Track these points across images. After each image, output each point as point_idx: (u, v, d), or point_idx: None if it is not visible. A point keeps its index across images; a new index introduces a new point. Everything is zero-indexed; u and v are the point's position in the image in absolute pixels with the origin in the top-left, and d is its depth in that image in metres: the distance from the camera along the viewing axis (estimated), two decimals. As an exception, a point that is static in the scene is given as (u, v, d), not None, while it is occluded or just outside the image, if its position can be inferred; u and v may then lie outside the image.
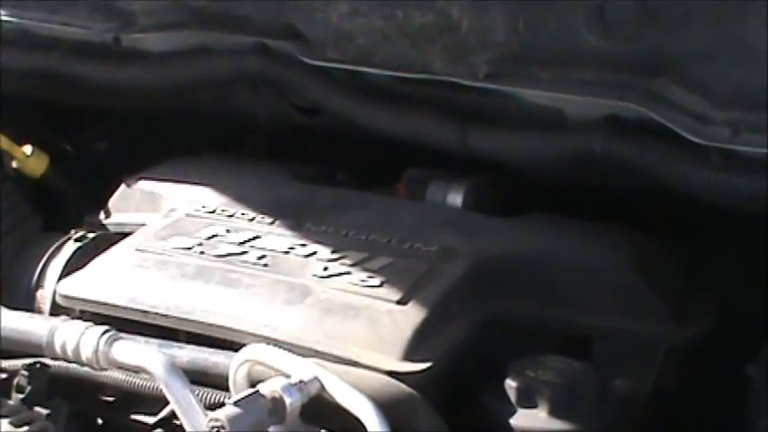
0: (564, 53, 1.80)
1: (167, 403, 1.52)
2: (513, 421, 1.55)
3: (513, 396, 1.57)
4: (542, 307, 1.73)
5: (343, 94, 2.01)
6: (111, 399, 1.64)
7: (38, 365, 1.61)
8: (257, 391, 1.38)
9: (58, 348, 1.54)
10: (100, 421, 1.67)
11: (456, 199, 1.96)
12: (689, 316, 1.74)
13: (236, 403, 1.34)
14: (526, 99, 1.85)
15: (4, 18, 2.20)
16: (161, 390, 1.48)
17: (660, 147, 1.74)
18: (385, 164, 2.05)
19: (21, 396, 1.60)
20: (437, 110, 1.94)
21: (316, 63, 1.99)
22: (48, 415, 1.60)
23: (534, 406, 1.57)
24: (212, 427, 1.31)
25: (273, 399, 1.37)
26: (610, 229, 1.84)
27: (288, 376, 1.42)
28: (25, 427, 1.55)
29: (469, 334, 1.67)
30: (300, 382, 1.40)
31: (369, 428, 1.39)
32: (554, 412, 1.55)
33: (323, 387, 1.42)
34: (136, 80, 2.16)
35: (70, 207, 2.20)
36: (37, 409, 1.60)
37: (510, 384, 1.57)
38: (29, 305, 1.90)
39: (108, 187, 2.13)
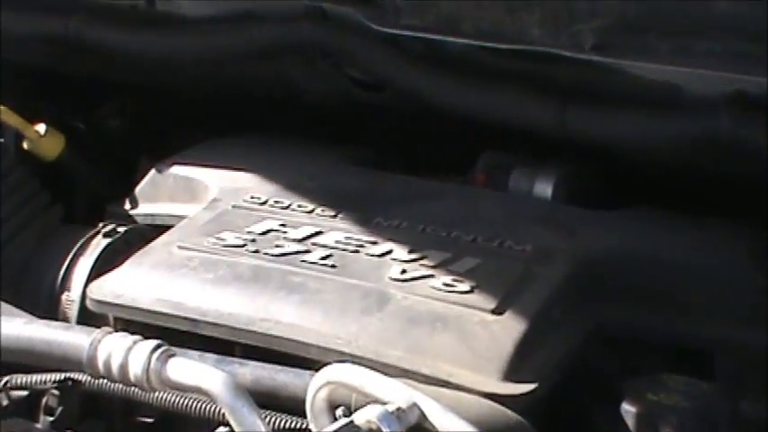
0: (688, 19, 1.78)
1: (218, 426, 1.50)
2: None
3: (631, 422, 1.54)
4: (656, 316, 1.71)
5: (417, 67, 2.00)
6: (150, 420, 1.64)
7: (70, 382, 1.59)
8: (352, 422, 1.33)
9: (101, 365, 1.49)
10: None
11: (545, 189, 1.96)
12: None
13: None
14: (639, 74, 1.84)
15: None
16: (215, 411, 1.49)
17: None
18: (459, 149, 2.04)
19: (50, 419, 1.60)
20: (532, 86, 1.94)
21: (387, 30, 1.98)
22: None
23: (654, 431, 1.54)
24: None
25: (370, 430, 1.33)
26: (733, 225, 1.83)
27: (383, 402, 1.37)
28: None
29: (575, 348, 1.65)
30: (399, 410, 1.35)
31: None
32: None
33: (424, 415, 1.37)
34: (169, 50, 2.17)
35: (89, 194, 2.21)
36: None
37: (628, 409, 1.54)
38: (51, 311, 1.89)
39: (131, 172, 2.14)
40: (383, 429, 1.33)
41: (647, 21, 1.83)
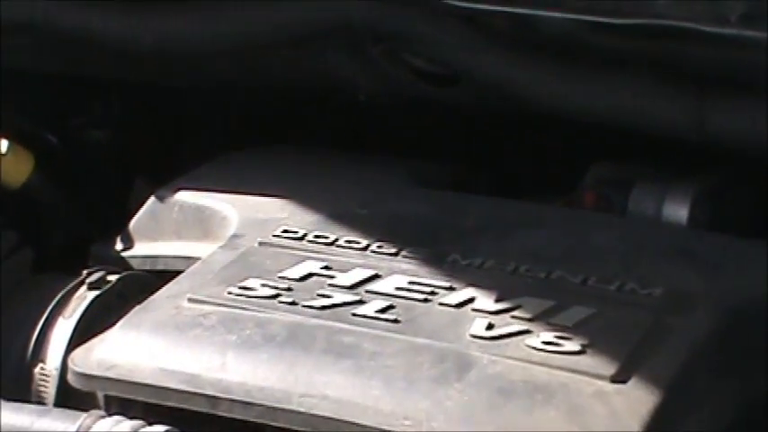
0: None
1: None
2: None
3: None
4: None
5: (502, 52, 2.00)
6: None
7: None
8: None
9: None
10: None
11: (679, 211, 1.98)
12: None
13: None
14: None
15: None
16: None
17: None
18: (559, 159, 2.06)
19: None
20: (658, 74, 1.94)
21: (461, 5, 1.96)
22: None
23: None
24: None
25: None
26: None
27: None
28: None
29: (727, 424, 1.64)
30: None
31: None
32: None
33: None
34: (170, 36, 2.17)
35: (67, 231, 2.23)
36: None
37: None
38: (21, 388, 1.90)
39: (123, 200, 2.16)
40: None
41: None
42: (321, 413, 1.58)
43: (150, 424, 1.55)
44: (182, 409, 1.65)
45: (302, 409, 1.59)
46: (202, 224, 2.04)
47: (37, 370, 1.93)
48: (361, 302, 1.74)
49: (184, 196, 2.09)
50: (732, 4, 1.81)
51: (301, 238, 1.90)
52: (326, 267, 1.82)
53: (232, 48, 2.13)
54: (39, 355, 1.94)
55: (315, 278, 1.80)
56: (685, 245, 1.90)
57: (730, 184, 2.02)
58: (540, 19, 1.93)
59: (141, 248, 2.10)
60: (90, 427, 1.53)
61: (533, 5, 1.92)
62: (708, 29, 1.83)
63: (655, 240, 1.91)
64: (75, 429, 1.53)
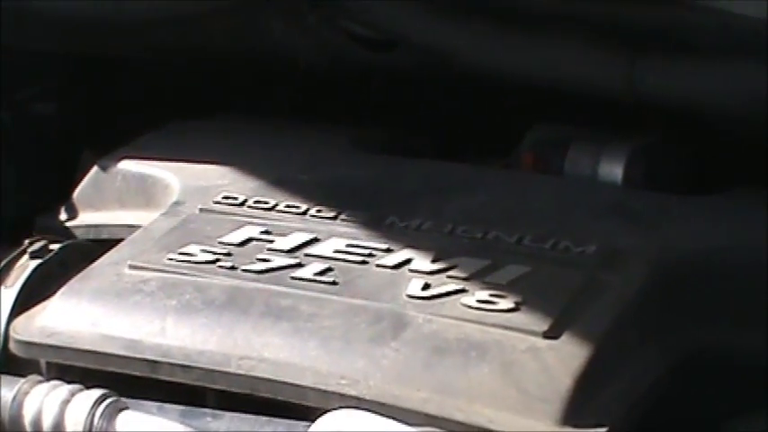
0: None
1: None
2: None
3: None
4: (760, 334, 1.71)
5: (437, 16, 2.00)
6: None
7: None
8: None
9: (28, 425, 1.54)
10: None
11: (613, 171, 1.98)
12: None
13: None
14: (732, 11, 1.81)
15: None
16: None
17: None
18: (495, 122, 2.06)
19: None
20: (591, 35, 1.96)
21: None
22: None
23: None
24: None
25: None
26: None
27: None
28: None
29: (658, 379, 1.65)
30: None
31: None
32: None
33: None
34: (111, 6, 2.15)
35: (13, 203, 2.22)
36: None
37: None
38: None
39: (63, 170, 2.19)
40: None
41: None
42: (260, 375, 1.59)
43: (88, 388, 1.54)
44: (121, 374, 1.65)
45: (241, 372, 1.61)
46: (145, 192, 2.04)
47: None
48: (299, 266, 1.75)
49: (127, 165, 2.09)
50: None
51: (241, 204, 1.91)
52: (266, 232, 1.83)
53: (170, 16, 2.12)
54: None
55: (254, 243, 1.81)
56: (620, 203, 1.91)
57: (664, 143, 2.03)
58: None
59: (85, 218, 2.10)
60: (27, 392, 1.53)
61: None
62: None
63: (590, 199, 1.93)
64: (12, 395, 1.54)
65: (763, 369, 1.69)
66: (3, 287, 1.95)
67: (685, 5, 1.85)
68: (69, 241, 2.01)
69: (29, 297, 1.88)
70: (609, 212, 1.86)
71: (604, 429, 1.52)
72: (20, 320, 1.78)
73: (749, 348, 1.71)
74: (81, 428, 1.51)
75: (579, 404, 1.54)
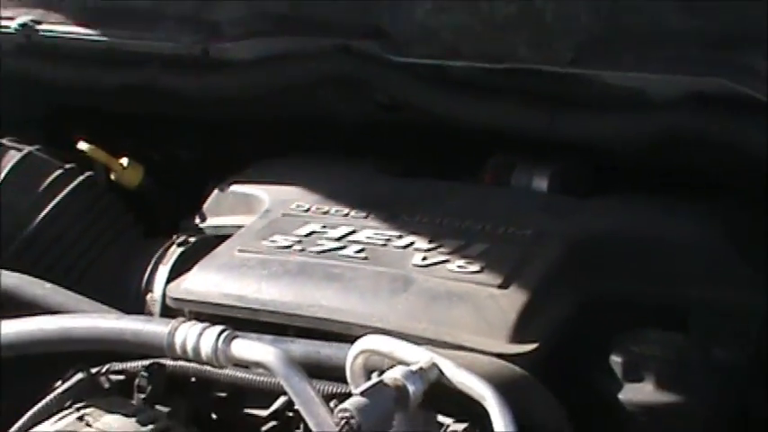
0: (646, 33, 1.79)
1: (278, 396, 1.53)
2: (620, 396, 1.54)
3: (618, 371, 1.56)
4: (639, 283, 1.71)
5: (427, 88, 1.99)
6: (223, 394, 1.64)
7: (156, 366, 1.61)
8: (381, 380, 1.35)
9: (178, 348, 1.53)
10: (215, 417, 1.65)
11: (542, 183, 1.95)
12: None
13: (362, 393, 1.31)
14: (609, 81, 1.83)
15: (91, 38, 2.19)
16: (274, 384, 1.49)
17: (749, 119, 1.73)
18: (468, 154, 2.03)
19: (142, 396, 1.60)
20: (524, 97, 1.93)
21: (401, 60, 1.97)
22: (169, 413, 1.60)
23: (640, 380, 1.55)
24: (341, 418, 1.28)
25: (397, 387, 1.34)
26: (697, 203, 1.82)
27: (406, 364, 1.39)
28: (150, 426, 1.55)
29: (571, 313, 1.65)
30: (420, 369, 1.37)
31: (492, 411, 1.36)
32: (661, 386, 1.54)
33: (442, 373, 1.39)
34: (225, 89, 2.16)
35: (165, 213, 2.20)
36: (158, 407, 1.60)
37: (615, 360, 1.56)
38: (138, 309, 1.91)
39: (198, 193, 2.13)
40: (408, 386, 1.33)
41: (613, 35, 1.82)
42: (320, 316, 1.61)
43: (214, 326, 1.51)
44: (234, 317, 1.65)
45: (308, 314, 1.62)
46: (247, 205, 2.00)
47: (148, 297, 1.95)
48: (344, 247, 1.75)
49: (236, 188, 2.06)
50: (565, 53, 1.83)
51: (308, 210, 1.89)
52: (323, 227, 1.82)
53: (261, 94, 2.11)
54: (149, 287, 1.96)
55: (315, 234, 1.80)
56: (545, 203, 1.89)
57: (572, 165, 1.97)
58: (448, 66, 1.94)
59: (211, 221, 2.07)
60: (177, 328, 1.52)
61: (443, 58, 1.92)
62: (551, 68, 1.85)
63: (526, 201, 1.90)
64: (167, 329, 1.52)
65: (643, 309, 1.68)
66: (161, 265, 1.97)
67: (576, 77, 1.84)
68: (201, 236, 2.01)
69: (177, 270, 1.90)
70: (538, 209, 1.85)
71: (535, 345, 1.53)
72: (172, 285, 1.79)
73: (632, 295, 1.70)
74: (210, 350, 1.48)
75: (521, 329, 1.55)
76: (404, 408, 1.34)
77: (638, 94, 1.82)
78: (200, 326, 1.53)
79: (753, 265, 1.71)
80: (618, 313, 1.67)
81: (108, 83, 2.22)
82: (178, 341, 1.52)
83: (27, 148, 2.03)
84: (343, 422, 1.28)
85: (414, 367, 1.37)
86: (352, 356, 1.44)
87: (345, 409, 1.28)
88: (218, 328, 1.51)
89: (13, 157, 2.01)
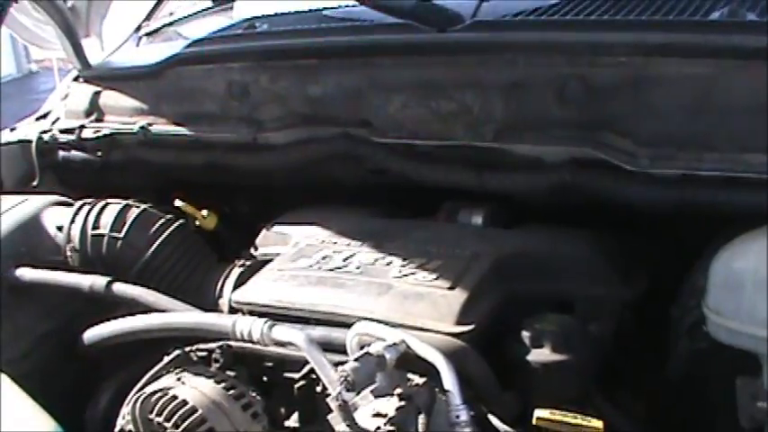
0: (540, 120, 1.78)
1: (305, 365, 1.53)
2: (528, 358, 1.55)
3: (527, 342, 1.57)
4: (541, 285, 1.70)
5: (399, 159, 1.95)
6: (270, 364, 1.63)
7: (226, 346, 1.61)
8: (367, 351, 1.38)
9: (238, 334, 1.57)
10: (265, 379, 1.64)
11: (478, 220, 1.92)
12: (633, 281, 1.71)
13: (355, 360, 1.36)
14: (518, 151, 1.81)
15: (181, 133, 2.17)
16: (301, 356, 1.50)
17: (607, 175, 1.72)
18: (428, 202, 1.99)
19: (217, 365, 1.61)
20: (462, 163, 1.89)
21: (381, 140, 1.95)
22: (234, 376, 1.59)
23: (541, 347, 1.56)
24: (341, 376, 1.32)
25: (378, 356, 1.37)
26: (579, 230, 1.80)
27: (385, 340, 1.43)
28: (222, 384, 1.55)
29: (496, 306, 1.65)
30: (394, 343, 1.40)
31: (442, 371, 1.38)
32: (554, 350, 1.55)
33: (408, 346, 1.42)
34: (268, 164, 2.11)
35: (231, 247, 2.13)
36: (228, 372, 1.59)
37: (525, 334, 1.57)
38: (214, 310, 1.89)
39: (253, 233, 2.07)
40: (385, 355, 1.37)
41: (518, 122, 1.79)
42: (332, 311, 1.61)
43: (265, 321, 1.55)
44: (275, 314, 1.64)
45: (323, 310, 1.62)
46: (284, 239, 1.95)
47: (220, 301, 1.90)
48: (347, 266, 1.73)
49: (277, 228, 2.00)
50: (488, 133, 1.81)
51: (324, 242, 1.86)
52: (333, 252, 1.79)
53: (294, 166, 2.08)
54: (221, 295, 1.91)
55: (328, 257, 1.77)
56: (480, 233, 1.85)
57: (499, 208, 1.91)
58: (413, 144, 1.91)
59: (261, 251, 2.00)
60: (237, 320, 1.55)
61: (410, 139, 1.90)
62: (479, 144, 1.82)
63: (468, 232, 1.86)
64: (233, 321, 1.56)
65: (544, 302, 1.67)
66: (228, 280, 1.92)
67: (495, 149, 1.81)
68: (254, 260, 1.96)
69: (238, 284, 1.86)
70: (476, 237, 1.81)
71: (472, 326, 1.54)
72: (234, 293, 1.77)
73: (536, 293, 1.68)
74: (258, 334, 1.52)
75: (462, 316, 1.56)
76: (383, 369, 1.37)
77: (536, 159, 1.79)
78: (251, 319, 1.56)
79: (615, 271, 1.70)
80: (527, 305, 1.66)
81: (193, 162, 2.18)
82: (238, 329, 1.56)
83: (143, 206, 2.00)
84: (342, 378, 1.31)
85: (389, 342, 1.40)
86: (350, 337, 1.48)
87: (344, 371, 1.32)
88: (263, 320, 1.53)
89: (134, 212, 1.98)
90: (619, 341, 1.68)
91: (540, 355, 1.55)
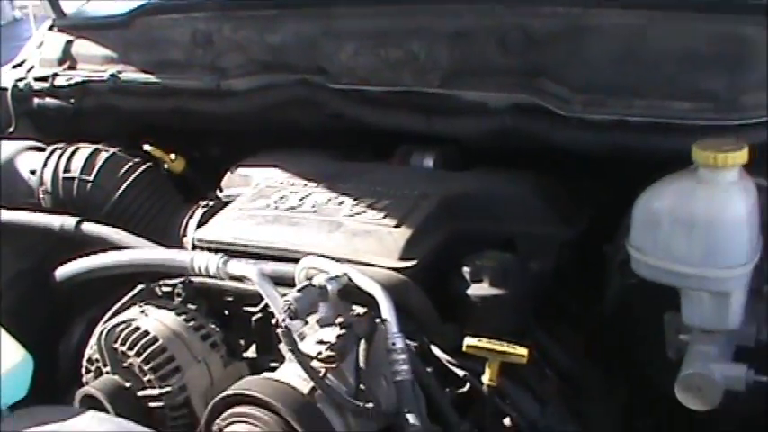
0: (483, 67, 1.81)
1: (262, 299, 1.57)
2: (468, 292, 1.59)
3: (467, 276, 1.60)
4: (485, 224, 1.72)
5: (353, 105, 1.98)
6: (231, 299, 1.68)
7: (187, 281, 1.67)
8: (310, 283, 1.43)
9: (196, 268, 1.62)
10: (226, 313, 1.69)
11: (430, 162, 1.94)
12: (573, 222, 1.74)
13: (298, 291, 1.41)
14: (463, 97, 1.84)
15: (150, 80, 2.19)
16: (256, 290, 1.55)
17: (543, 120, 1.76)
18: (382, 146, 2.02)
19: (179, 299, 1.67)
20: (411, 108, 1.91)
21: (336, 87, 1.98)
22: (195, 309, 1.66)
23: (480, 281, 1.60)
24: (285, 305, 1.38)
25: (320, 287, 1.43)
26: (525, 173, 1.82)
27: (328, 273, 1.47)
28: (183, 316, 1.62)
29: (441, 243, 1.67)
30: (336, 276, 1.45)
31: (380, 301, 1.43)
32: (492, 284, 1.59)
33: (350, 279, 1.47)
34: (231, 109, 2.13)
35: (198, 189, 2.16)
36: (189, 306, 1.66)
37: (465, 269, 1.60)
38: (179, 247, 1.86)
39: (219, 176, 2.10)
40: (328, 286, 1.42)
41: (464, 69, 1.82)
42: (285, 247, 1.64)
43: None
44: (232, 250, 1.67)
45: (278, 247, 1.65)
46: (245, 181, 1.98)
47: (184, 240, 1.91)
48: (301, 206, 1.76)
49: (239, 171, 2.03)
50: (434, 80, 1.84)
51: (282, 183, 1.88)
52: (290, 193, 1.82)
53: (253, 112, 2.09)
54: (185, 233, 1.92)
55: (284, 198, 1.80)
56: (430, 175, 1.88)
57: (446, 151, 1.94)
58: (365, 90, 1.95)
59: (225, 192, 2.02)
60: (194, 256, 1.61)
61: (361, 85, 1.93)
62: (427, 90, 1.86)
63: (418, 175, 1.88)
64: (190, 257, 1.61)
65: (486, 240, 1.69)
66: (191, 220, 1.93)
67: (441, 94, 1.84)
68: (216, 201, 1.97)
69: (201, 223, 1.88)
70: (425, 179, 1.83)
71: (414, 262, 1.57)
72: (196, 232, 1.80)
73: (479, 232, 1.70)
74: (215, 268, 1.57)
75: (405, 252, 1.60)
76: (325, 299, 1.42)
77: (480, 104, 1.81)
78: (208, 254, 1.61)
79: (556, 212, 1.74)
80: (472, 244, 1.68)
81: (162, 108, 2.20)
82: (196, 264, 1.61)
83: (112, 150, 2.02)
84: (285, 307, 1.37)
85: (332, 274, 1.46)
86: (298, 270, 1.53)
87: (287, 300, 1.38)
88: (219, 255, 1.59)
89: (104, 156, 2.00)
90: (560, 279, 1.71)
91: (479, 289, 1.58)
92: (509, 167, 1.84)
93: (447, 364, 1.54)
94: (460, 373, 1.53)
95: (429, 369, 1.51)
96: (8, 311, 1.68)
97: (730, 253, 1.37)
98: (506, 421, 1.54)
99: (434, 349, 1.54)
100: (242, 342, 1.65)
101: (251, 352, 1.63)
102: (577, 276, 1.74)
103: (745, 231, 1.36)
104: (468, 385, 1.53)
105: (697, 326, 1.45)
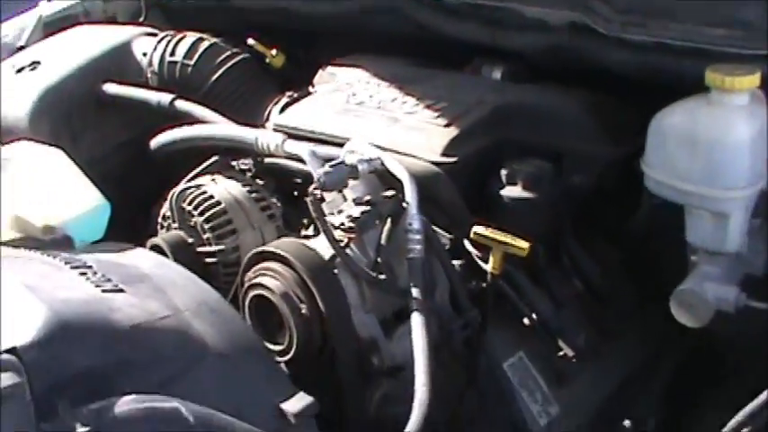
0: None
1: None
2: (502, 192, 1.67)
3: (504, 179, 1.67)
4: (534, 135, 1.74)
5: (433, 15, 1.98)
6: (300, 180, 1.77)
7: (258, 158, 1.79)
8: (342, 161, 1.52)
9: (260, 145, 1.74)
10: (296, 194, 1.77)
11: (497, 74, 1.97)
12: (621, 143, 1.72)
13: (330, 166, 1.51)
14: (525, 13, 1.84)
15: None
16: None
17: (593, 39, 1.74)
18: (457, 56, 2.03)
19: (249, 174, 1.79)
20: (481, 21, 1.92)
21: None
22: (263, 185, 1.78)
23: (515, 184, 1.66)
24: (318, 176, 1.51)
25: (352, 165, 1.52)
26: (580, 91, 1.83)
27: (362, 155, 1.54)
28: (248, 187, 1.76)
29: (486, 147, 1.72)
30: (369, 158, 1.53)
31: (405, 186, 1.51)
32: (526, 187, 1.66)
33: (382, 162, 1.55)
34: (332, 12, 2.16)
35: (295, 83, 2.14)
36: (257, 181, 1.78)
37: (502, 172, 1.67)
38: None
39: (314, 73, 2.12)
40: (358, 166, 1.51)
41: None
42: (344, 135, 1.69)
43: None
44: (305, 137, 1.74)
45: (339, 134, 1.73)
46: (332, 77, 2.04)
47: (267, 124, 1.91)
48: (369, 101, 1.85)
49: (328, 69, 2.06)
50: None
51: (359, 81, 1.96)
52: (364, 90, 1.90)
53: (346, 14, 2.09)
54: (267, 119, 1.96)
55: (357, 94, 1.88)
56: (494, 85, 1.91)
57: (521, 67, 1.95)
58: (443, 2, 1.94)
59: (311, 88, 2.04)
60: (259, 134, 1.72)
61: None
62: (491, 3, 1.85)
63: (483, 84, 1.92)
64: (256, 134, 1.74)
65: (532, 150, 1.70)
66: (275, 106, 1.98)
67: (505, 10, 1.84)
68: (301, 93, 2.01)
69: (283, 110, 1.94)
70: (486, 88, 1.87)
71: (455, 159, 1.65)
72: (276, 118, 1.87)
73: (525, 141, 1.72)
74: (274, 146, 1.70)
75: (448, 150, 1.67)
76: (354, 177, 1.51)
77: (540, 21, 1.81)
78: (272, 133, 1.74)
79: (604, 130, 1.73)
80: (518, 152, 1.71)
81: (270, 7, 2.22)
82: (260, 141, 1.75)
83: (214, 39, 2.08)
84: (319, 176, 1.50)
85: (365, 156, 1.53)
86: (342, 152, 1.60)
87: (318, 173, 1.51)
88: (279, 134, 1.72)
89: (205, 44, 2.07)
90: (603, 197, 1.72)
91: (512, 191, 1.65)
92: (568, 85, 1.84)
93: (477, 259, 1.60)
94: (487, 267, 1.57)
95: (460, 261, 1.59)
96: (111, 177, 1.79)
97: (730, 175, 1.39)
98: (525, 321, 1.61)
99: (466, 243, 1.60)
100: (304, 221, 1.74)
101: (310, 230, 1.71)
102: (622, 197, 1.73)
103: (747, 155, 1.38)
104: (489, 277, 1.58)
105: (699, 246, 1.47)
